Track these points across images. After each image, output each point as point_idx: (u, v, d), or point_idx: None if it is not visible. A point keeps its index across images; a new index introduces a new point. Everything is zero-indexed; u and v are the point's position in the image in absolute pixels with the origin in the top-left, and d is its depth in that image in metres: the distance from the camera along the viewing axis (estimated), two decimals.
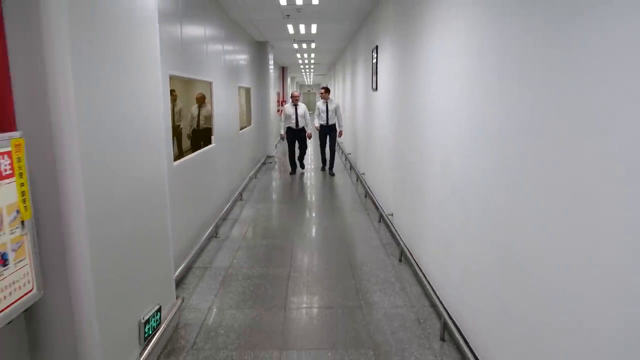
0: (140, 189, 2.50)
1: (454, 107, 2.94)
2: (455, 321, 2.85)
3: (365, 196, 6.97)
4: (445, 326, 2.93)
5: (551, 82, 1.74)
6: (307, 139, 8.90)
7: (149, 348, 2.51)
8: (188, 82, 8.04)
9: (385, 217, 5.25)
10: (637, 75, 1.28)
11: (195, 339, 2.95)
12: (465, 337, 2.69)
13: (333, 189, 7.76)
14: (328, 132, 8.77)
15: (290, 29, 8.33)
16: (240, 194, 6.95)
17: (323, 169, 9.31)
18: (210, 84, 5.56)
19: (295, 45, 10.87)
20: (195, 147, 7.43)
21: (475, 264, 2.59)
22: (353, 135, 9.68)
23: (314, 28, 8.28)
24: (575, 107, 1.58)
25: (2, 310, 1.46)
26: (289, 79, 20.15)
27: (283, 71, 17.65)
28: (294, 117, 8.64)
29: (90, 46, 1.92)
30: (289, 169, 9.19)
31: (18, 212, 1.54)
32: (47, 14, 1.68)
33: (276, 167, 10.28)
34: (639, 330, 1.29)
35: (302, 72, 21.73)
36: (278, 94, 15.35)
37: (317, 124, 8.81)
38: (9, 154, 1.49)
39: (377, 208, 5.89)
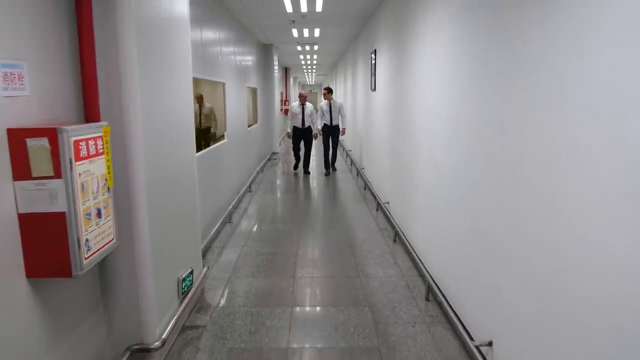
0: (178, 172, 3.06)
1: (437, 105, 3.50)
2: (438, 284, 3.41)
3: (365, 188, 7.52)
4: (429, 288, 3.49)
5: (506, 84, 2.30)
6: (314, 138, 8.99)
7: (184, 303, 3.07)
8: (196, 82, 8.59)
9: (382, 205, 5.81)
10: (561, 78, 1.84)
11: (220, 300, 3.51)
12: (446, 296, 3.24)
13: (334, 182, 8.31)
14: (332, 132, 8.89)
15: (295, 32, 8.89)
16: (249, 186, 7.51)
17: (327, 174, 9.04)
18: (223, 84, 6.12)
19: (299, 48, 11.43)
20: (198, 147, 7.95)
21: (452, 234, 3.15)
22: (353, 133, 10.23)
23: (316, 32, 8.84)
24: (523, 103, 2.14)
25: (98, 250, 2.01)
26: (291, 79, 20.71)
27: (286, 71, 18.20)
28: (300, 116, 8.75)
29: (147, 64, 2.47)
30: (291, 172, 9.31)
31: (106, 180, 2.09)
32: (123, 43, 2.24)
33: (280, 163, 10.84)
34: (574, 289, 1.85)
35: (304, 73, 22.29)
36: (281, 93, 15.90)
37: (320, 126, 8.91)
38: (101, 137, 2.05)
39: (374, 198, 6.45)
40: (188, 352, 2.80)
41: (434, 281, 3.46)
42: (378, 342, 2.90)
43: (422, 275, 3.82)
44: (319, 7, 6.43)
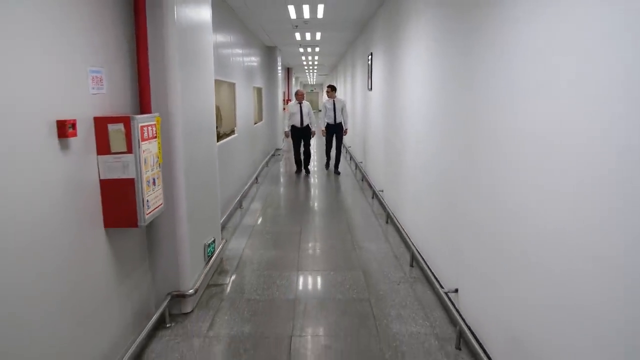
0: (204, 156, 3.71)
1: (419, 103, 4.15)
2: (420, 253, 4.05)
3: (362, 180, 8.17)
4: (413, 257, 4.14)
5: (463, 89, 2.95)
6: (312, 136, 8.99)
7: (208, 266, 3.72)
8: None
9: (377, 193, 6.46)
10: (504, 80, 2.48)
11: (237, 266, 4.16)
12: (426, 261, 3.88)
13: (334, 175, 8.96)
14: (335, 131, 8.81)
15: (298, 36, 9.54)
16: (256, 178, 8.17)
17: (327, 166, 9.37)
18: (234, 84, 6.77)
19: (301, 49, 12.08)
20: None
21: (431, 210, 3.79)
22: (353, 130, 10.87)
23: (318, 35, 9.49)
24: (482, 100, 2.79)
25: (153, 210, 2.66)
26: (293, 79, 21.35)
27: (288, 72, 18.84)
28: (298, 115, 8.69)
29: (184, 70, 3.12)
30: (294, 167, 9.34)
31: (157, 158, 2.74)
32: (168, 55, 2.89)
33: (283, 158, 11.48)
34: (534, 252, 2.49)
35: (306, 73, 22.94)
36: (284, 93, 16.55)
37: (322, 126, 8.81)
38: (154, 125, 2.69)
39: (370, 187, 7.10)
40: (214, 302, 3.46)
41: (417, 251, 4.10)
42: (369, 295, 3.55)
43: (408, 248, 4.46)
44: (320, 14, 7.07)
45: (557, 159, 1.81)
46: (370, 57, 7.58)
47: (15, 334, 1.76)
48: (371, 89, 7.61)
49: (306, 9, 6.68)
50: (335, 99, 8.71)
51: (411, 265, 4.14)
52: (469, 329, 2.78)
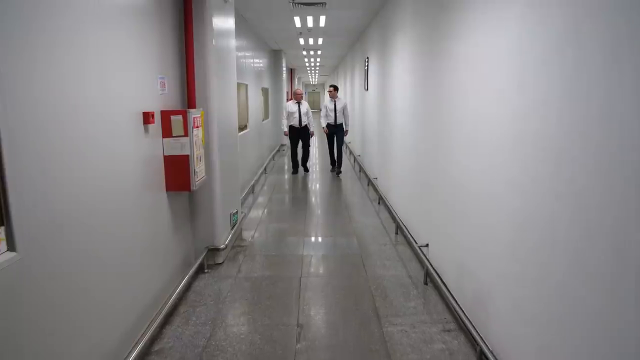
0: (231, 142, 4.66)
1: (402, 102, 5.10)
2: (404, 223, 4.99)
3: (360, 171, 9.12)
4: (398, 227, 5.08)
5: (432, 86, 3.89)
6: (311, 136, 8.90)
7: (233, 230, 4.66)
8: None
9: (371, 180, 7.41)
10: (454, 85, 3.43)
11: (254, 233, 5.12)
12: (410, 231, 4.82)
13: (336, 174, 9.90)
14: (336, 131, 8.69)
15: (301, 41, 10.48)
16: (265, 169, 9.13)
17: (332, 170, 9.06)
18: (246, 85, 7.72)
19: (304, 52, 13.03)
20: None
21: (412, 189, 4.73)
22: (352, 127, 11.81)
23: (320, 41, 10.43)
24: (441, 98, 3.74)
25: (200, 179, 3.60)
26: (296, 80, 22.29)
27: (292, 72, 19.78)
28: (297, 115, 8.58)
29: (218, 75, 4.06)
30: (291, 169, 9.09)
31: (201, 141, 3.68)
32: (207, 65, 3.84)
33: (288, 153, 12.43)
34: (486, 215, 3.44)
35: (308, 73, 23.87)
36: (287, 92, 17.50)
37: (324, 125, 8.70)
38: (200, 117, 3.63)
39: (367, 176, 8.04)
40: (239, 257, 4.41)
41: (401, 222, 5.05)
42: (361, 252, 4.50)
43: (395, 220, 5.40)
44: (322, 24, 8.02)
45: (483, 142, 2.76)
46: (366, 61, 8.52)
47: (118, 261, 2.71)
48: (367, 89, 8.56)
49: (310, 19, 7.62)
50: (336, 99, 8.67)
51: (396, 233, 5.09)
52: (434, 270, 3.72)
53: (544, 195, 1.98)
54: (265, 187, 7.73)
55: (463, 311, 2.97)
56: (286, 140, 9.89)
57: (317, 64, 17.74)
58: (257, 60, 9.22)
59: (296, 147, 8.89)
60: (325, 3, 6.26)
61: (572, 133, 1.76)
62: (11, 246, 1.70)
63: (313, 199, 6.86)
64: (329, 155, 9.21)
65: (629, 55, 1.45)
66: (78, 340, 2.16)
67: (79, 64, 2.17)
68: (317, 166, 10.12)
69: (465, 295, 3.03)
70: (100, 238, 2.39)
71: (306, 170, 9.03)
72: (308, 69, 20.42)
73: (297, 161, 8.96)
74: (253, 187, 7.36)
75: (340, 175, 8.78)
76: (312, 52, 13.07)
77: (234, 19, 4.84)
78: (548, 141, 1.94)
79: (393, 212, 5.53)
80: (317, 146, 13.54)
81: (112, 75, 2.53)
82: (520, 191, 2.21)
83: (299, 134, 8.74)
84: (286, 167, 10.26)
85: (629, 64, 1.45)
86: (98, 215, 2.35)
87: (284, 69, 13.17)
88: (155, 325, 2.88)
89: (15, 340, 1.71)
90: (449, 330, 3.01)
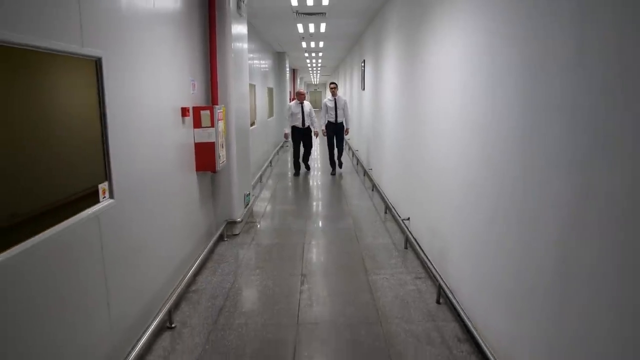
0: (245, 133, 5.49)
1: (391, 99, 5.93)
2: (392, 203, 5.82)
3: (357, 164, 9.95)
4: (387, 207, 5.91)
5: (411, 87, 4.73)
6: (315, 137, 8.85)
7: (245, 209, 5.50)
8: None
9: (367, 171, 8.24)
10: (426, 86, 4.26)
11: (263, 213, 5.96)
12: (396, 210, 5.64)
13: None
14: (336, 130, 8.60)
15: (304, 44, 11.32)
16: (270, 162, 9.97)
17: (333, 173, 8.80)
18: (254, 85, 8.56)
19: (306, 54, 13.87)
20: None
21: (397, 172, 5.57)
22: (351, 124, 12.65)
23: (321, 44, 11.27)
24: (417, 96, 4.57)
25: (222, 163, 4.43)
26: (298, 79, 23.14)
27: (294, 73, 20.62)
28: (300, 115, 8.48)
29: (235, 77, 4.89)
30: (293, 170, 8.99)
31: (223, 131, 4.52)
32: (227, 67, 4.68)
33: (291, 150, 13.28)
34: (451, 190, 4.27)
35: (309, 73, 24.71)
36: (290, 92, 18.34)
37: (323, 124, 8.64)
38: (222, 112, 4.46)
39: (362, 168, 8.88)
40: (252, 230, 5.25)
41: (390, 203, 5.88)
42: (354, 228, 5.34)
43: (384, 202, 6.23)
44: (322, 30, 8.85)
45: (443, 129, 3.59)
46: (363, 63, 9.36)
47: (167, 220, 3.55)
48: (364, 89, 9.39)
49: (311, 26, 8.46)
50: (336, 98, 8.62)
51: (385, 212, 5.92)
52: (413, 237, 4.54)
53: (478, 164, 2.81)
54: (271, 178, 8.58)
55: (431, 263, 3.80)
56: (289, 137, 9.44)
57: (319, 65, 18.57)
58: (263, 62, 10.06)
59: (299, 148, 8.71)
60: (325, 13, 7.09)
61: (489, 119, 2.59)
62: (111, 195, 2.54)
63: (314, 188, 7.70)
64: (328, 157, 8.87)
65: (516, 72, 2.28)
66: (141, 268, 3.01)
67: (144, 75, 3.01)
68: (319, 161, 10.95)
69: (433, 252, 3.86)
70: (158, 199, 3.23)
71: (307, 168, 9.06)
72: (310, 69, 21.25)
73: (299, 163, 8.82)
74: (261, 177, 8.20)
75: (340, 171, 8.91)
76: (313, 54, 13.91)
77: (247, 28, 5.68)
78: (477, 126, 2.77)
79: (383, 195, 6.36)
80: (318, 143, 14.36)
81: (162, 81, 3.37)
82: (465, 163, 3.04)
83: (302, 135, 8.63)
84: (289, 163, 11.08)
85: (519, 77, 2.28)
86: (156, 183, 3.20)
87: (287, 69, 14.01)
88: (190, 274, 3.71)
89: (115, 254, 2.55)
90: (420, 278, 3.85)
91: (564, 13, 1.82)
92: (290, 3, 6.42)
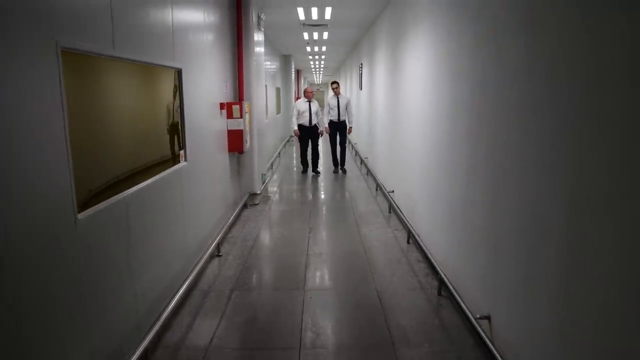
0: (262, 126, 6.80)
1: (382, 98, 7.24)
2: (382, 183, 7.12)
3: (356, 155, 11.26)
4: (377, 185, 7.22)
5: (394, 88, 6.03)
6: (321, 135, 8.85)
7: (262, 186, 6.80)
8: None
9: (363, 160, 9.54)
10: (404, 88, 5.56)
11: (277, 191, 7.27)
12: (384, 186, 6.93)
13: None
14: (339, 129, 8.68)
15: (308, 48, 12.62)
16: (279, 153, 11.29)
17: (336, 170, 8.91)
18: (265, 86, 9.86)
19: (310, 57, 15.17)
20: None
21: (385, 157, 6.87)
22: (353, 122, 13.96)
23: (324, 48, 12.57)
24: (397, 94, 5.88)
25: (248, 145, 5.73)
26: (302, 79, 24.44)
27: (298, 73, 21.92)
28: (307, 113, 8.52)
29: (256, 78, 6.19)
30: (300, 167, 9.03)
31: (248, 122, 5.81)
32: (250, 70, 5.99)
33: (296, 144, 14.59)
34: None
35: (313, 74, 26.02)
36: (295, 92, 19.65)
37: (326, 123, 8.80)
38: (247, 106, 5.76)
39: (360, 158, 10.18)
40: (268, 201, 6.56)
41: (380, 182, 7.17)
42: (350, 201, 6.65)
43: (376, 182, 7.52)
44: (325, 37, 10.16)
45: (414, 120, 4.89)
46: (360, 66, 10.66)
47: (212, 186, 4.86)
48: (361, 88, 10.69)
49: (315, 34, 9.76)
50: (339, 96, 8.66)
51: (376, 190, 7.23)
52: (396, 204, 5.82)
53: (433, 143, 4.10)
54: (280, 167, 9.90)
55: (405, 218, 5.09)
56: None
57: (322, 66, 19.87)
58: (272, 65, 11.37)
59: (306, 146, 8.76)
60: (327, 25, 8.40)
61: (436, 115, 3.88)
62: (185, 159, 3.84)
63: (317, 176, 9.01)
64: (331, 155, 9.01)
65: (448, 82, 3.57)
66: (202, 214, 4.32)
67: (200, 79, 4.32)
68: (321, 157, 12.24)
69: (407, 210, 5.16)
70: (207, 168, 4.54)
71: (317, 173, 8.76)
72: (313, 70, 22.55)
73: (307, 161, 8.86)
74: (272, 164, 9.52)
75: (345, 173, 8.80)
76: (317, 57, 15.22)
77: (263, 38, 6.98)
78: (430, 121, 4.07)
79: (375, 177, 7.65)
80: (321, 141, 15.66)
81: (208, 83, 4.69)
82: (425, 146, 4.33)
83: (309, 133, 8.65)
84: (294, 155, 12.38)
85: (449, 85, 3.57)
86: (205, 156, 4.51)
87: (293, 71, 15.32)
88: (226, 226, 5.00)
89: (188, 197, 3.85)
90: (397, 230, 5.15)
91: (467, 42, 3.12)
92: (298, 17, 7.72)
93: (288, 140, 14.76)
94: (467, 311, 2.89)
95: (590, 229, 1.70)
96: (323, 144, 11.16)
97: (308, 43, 11.33)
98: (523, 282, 2.27)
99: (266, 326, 3.10)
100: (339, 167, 8.92)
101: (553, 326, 1.99)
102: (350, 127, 8.91)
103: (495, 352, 2.49)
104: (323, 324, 3.11)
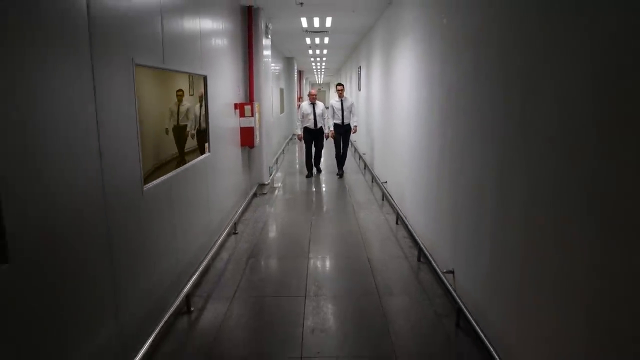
0: (269, 124, 7.56)
1: (377, 98, 8.00)
2: (377, 176, 7.88)
3: (355, 152, 12.02)
4: (373, 178, 7.98)
5: (386, 90, 6.80)
6: (325, 139, 8.74)
7: (270, 178, 7.57)
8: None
9: (361, 156, 10.31)
10: (393, 85, 6.33)
11: (282, 184, 8.04)
12: (379, 178, 7.69)
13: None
14: (343, 132, 8.61)
15: (310, 51, 13.38)
16: (283, 150, 12.06)
17: (339, 174, 8.70)
18: (271, 87, 10.62)
19: (312, 59, 15.93)
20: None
21: (380, 150, 7.63)
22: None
23: (325, 51, 13.33)
24: (389, 95, 6.64)
25: (257, 140, 6.48)
26: (304, 80, 25.20)
27: (300, 74, 22.67)
28: (312, 116, 8.44)
29: (264, 80, 6.95)
30: (305, 171, 8.83)
31: (257, 120, 6.57)
32: (259, 74, 6.76)
33: (300, 143, 15.38)
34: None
35: (314, 74, 26.79)
36: (297, 92, 20.41)
37: (331, 125, 8.55)
38: (257, 106, 6.51)
39: (359, 154, 10.95)
40: (275, 191, 7.33)
41: (375, 175, 7.93)
42: (348, 189, 7.41)
43: (373, 177, 8.27)
44: (326, 41, 10.92)
45: (402, 116, 5.65)
46: (359, 68, 11.42)
47: (229, 176, 5.63)
48: (360, 89, 11.45)
49: (317, 39, 10.53)
50: (343, 99, 8.56)
51: (372, 182, 7.99)
52: (389, 194, 6.58)
53: (415, 137, 4.86)
54: (285, 162, 10.68)
55: (395, 204, 5.85)
56: (298, 131, 8.71)
57: (323, 67, 20.63)
58: (276, 67, 12.13)
59: (311, 149, 8.65)
60: (328, 31, 9.16)
61: (418, 112, 4.64)
62: (209, 150, 4.60)
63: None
64: (335, 157, 8.89)
65: (425, 84, 4.32)
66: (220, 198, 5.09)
67: (219, 83, 5.09)
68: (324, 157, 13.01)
69: (397, 197, 5.91)
70: (224, 159, 5.31)
71: (319, 170, 8.98)
72: (315, 70, 23.31)
73: (311, 164, 8.75)
74: (277, 160, 10.30)
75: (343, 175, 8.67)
76: (318, 59, 15.98)
77: (270, 44, 7.75)
78: (413, 116, 4.83)
79: (372, 171, 8.41)
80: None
81: (225, 86, 5.45)
82: (410, 139, 5.09)
83: (314, 136, 8.54)
84: (297, 152, 13.15)
85: (425, 87, 4.32)
86: (223, 149, 5.28)
87: (296, 72, 16.09)
88: (239, 211, 5.76)
89: (212, 184, 4.61)
90: (389, 214, 5.92)
91: (437, 55, 3.87)
92: (301, 25, 8.48)
93: (291, 139, 15.54)
94: (437, 269, 3.66)
95: (509, 195, 2.46)
96: (326, 146, 10.89)
97: (310, 47, 12.08)
98: (473, 242, 3.03)
99: (278, 282, 3.87)
100: (338, 168, 8.83)
101: (486, 272, 2.75)
102: (355, 127, 8.85)
103: (456, 297, 3.24)
104: (323, 281, 3.87)
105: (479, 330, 2.79)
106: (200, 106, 4.39)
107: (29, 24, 1.76)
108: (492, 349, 2.58)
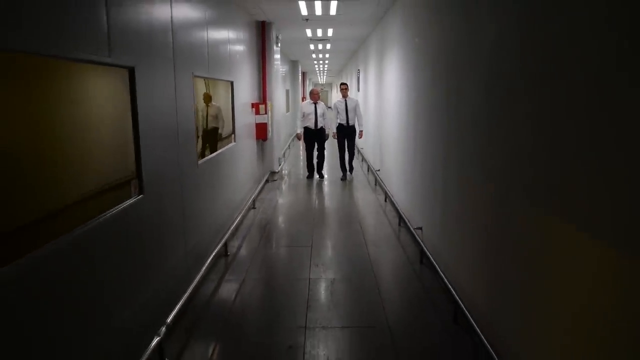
0: (278, 120, 8.75)
1: (372, 99, 9.18)
2: (372, 166, 9.05)
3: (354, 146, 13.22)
4: (368, 168, 9.16)
5: (380, 88, 7.99)
6: (326, 139, 8.58)
7: (279, 167, 8.76)
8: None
9: (359, 150, 11.50)
10: (386, 86, 7.51)
11: (289, 174, 9.24)
12: (382, 179, 8.86)
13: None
14: (347, 134, 8.41)
15: (313, 55, 14.58)
16: (289, 146, 13.26)
17: (343, 177, 8.55)
18: (280, 88, 11.82)
19: (315, 62, 17.13)
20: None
21: (375, 144, 8.80)
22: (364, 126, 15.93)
23: (327, 55, 14.53)
24: (382, 95, 7.83)
25: (269, 134, 7.66)
26: (307, 80, 26.40)
27: (304, 75, 23.86)
28: (312, 116, 8.30)
29: (275, 82, 8.13)
30: (306, 172, 8.80)
31: (270, 117, 7.74)
32: (271, 76, 7.95)
33: (301, 146, 16.60)
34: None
35: (317, 75, 27.99)
36: (301, 91, 21.61)
37: (334, 128, 8.49)
38: (270, 105, 7.69)
39: (358, 149, 12.13)
40: (285, 178, 8.53)
41: (371, 165, 9.10)
42: (348, 187, 8.60)
43: (367, 165, 9.43)
44: (328, 47, 12.11)
45: (392, 114, 6.84)
46: (358, 71, 12.61)
47: (247, 165, 6.83)
48: (359, 90, 12.64)
49: (321, 45, 11.72)
50: (347, 99, 8.31)
51: (367, 171, 9.17)
52: (381, 180, 7.74)
53: (399, 130, 6.04)
54: (290, 156, 11.89)
55: (385, 185, 7.02)
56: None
57: (325, 69, 21.84)
58: (282, 70, 13.33)
59: (312, 150, 8.57)
60: (329, 39, 10.35)
61: (400, 110, 5.82)
62: (234, 140, 5.79)
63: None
64: (339, 161, 8.64)
65: (406, 89, 5.50)
66: (241, 182, 6.29)
67: (240, 86, 6.29)
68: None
69: (386, 180, 7.09)
70: (244, 148, 6.51)
71: (321, 176, 8.67)
72: (317, 72, 24.51)
73: (312, 165, 8.67)
74: (284, 154, 11.50)
75: (350, 177, 8.65)
76: (321, 62, 17.18)
77: (279, 51, 8.95)
78: (397, 113, 6.01)
79: (368, 162, 9.59)
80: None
81: (244, 89, 6.65)
82: (395, 130, 6.27)
83: (315, 136, 8.40)
84: (302, 147, 14.31)
85: (407, 91, 5.50)
86: (243, 140, 6.48)
87: (300, 74, 17.30)
88: (256, 192, 6.95)
89: (237, 166, 5.81)
90: (379, 195, 7.11)
91: (412, 64, 5.05)
92: (306, 35, 9.67)
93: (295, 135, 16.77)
94: (410, 227, 4.84)
95: (450, 167, 3.64)
96: (330, 149, 12.20)
97: (313, 51, 13.28)
98: (432, 205, 4.21)
99: (291, 237, 5.09)
100: (346, 171, 8.58)
101: (439, 224, 3.94)
102: (361, 131, 8.60)
103: (421, 243, 4.41)
104: (324, 237, 5.07)
105: (435, 264, 3.98)
106: (208, 107, 5.59)
107: (164, 56, 2.98)
108: (441, 273, 3.76)
